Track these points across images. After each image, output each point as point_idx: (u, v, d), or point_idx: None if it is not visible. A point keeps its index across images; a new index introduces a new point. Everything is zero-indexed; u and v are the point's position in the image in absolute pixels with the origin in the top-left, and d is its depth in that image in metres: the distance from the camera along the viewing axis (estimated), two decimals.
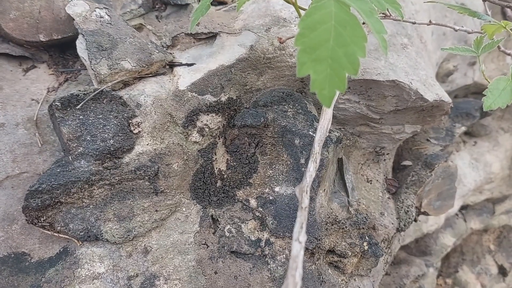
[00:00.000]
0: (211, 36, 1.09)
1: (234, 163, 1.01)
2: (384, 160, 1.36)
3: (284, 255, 0.97)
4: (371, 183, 1.30)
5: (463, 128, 1.64)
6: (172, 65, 1.06)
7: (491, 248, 2.28)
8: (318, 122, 1.05)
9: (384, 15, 1.07)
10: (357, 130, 1.25)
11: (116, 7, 1.15)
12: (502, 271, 2.25)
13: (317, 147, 0.83)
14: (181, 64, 1.05)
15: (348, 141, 1.20)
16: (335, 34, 0.65)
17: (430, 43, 1.49)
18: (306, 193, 0.72)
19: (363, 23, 1.05)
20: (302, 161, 1.00)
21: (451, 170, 1.38)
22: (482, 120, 1.95)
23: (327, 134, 0.96)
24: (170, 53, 1.08)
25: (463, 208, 1.99)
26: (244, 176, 1.01)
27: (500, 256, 2.29)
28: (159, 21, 1.19)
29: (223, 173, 1.01)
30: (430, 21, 1.19)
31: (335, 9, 0.67)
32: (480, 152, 1.90)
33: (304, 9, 0.87)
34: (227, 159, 1.02)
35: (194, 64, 1.03)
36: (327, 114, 0.91)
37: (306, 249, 0.98)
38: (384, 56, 1.15)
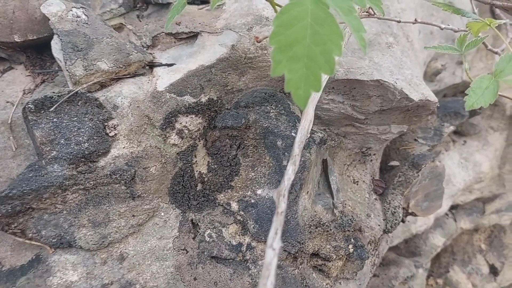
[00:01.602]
0: (192, 36, 1.07)
1: (215, 166, 0.99)
2: (371, 160, 1.34)
3: None
4: (357, 184, 1.28)
5: (452, 128, 1.62)
6: (152, 65, 1.03)
7: (482, 247, 2.27)
8: (299, 123, 1.03)
9: (368, 13, 1.05)
10: (342, 130, 1.23)
11: (95, 7, 1.13)
12: (493, 271, 2.25)
13: (296, 149, 0.81)
14: (161, 65, 1.02)
15: (333, 142, 1.18)
16: (312, 32, 0.63)
17: (417, 42, 1.47)
18: (284, 197, 0.70)
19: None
20: (285, 163, 0.98)
21: (438, 170, 1.36)
22: (471, 119, 1.94)
23: (309, 135, 0.93)
24: (150, 53, 1.05)
25: (453, 208, 1.98)
26: (225, 179, 0.99)
27: (491, 256, 2.28)
28: (140, 21, 1.16)
29: (204, 176, 0.98)
30: (415, 20, 1.17)
31: (312, 7, 0.65)
32: (470, 151, 1.89)
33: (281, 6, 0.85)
34: (208, 161, 0.99)
35: (174, 64, 1.00)
36: (308, 115, 0.88)
37: (289, 253, 0.96)
38: (369, 55, 1.13)
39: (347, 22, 0.70)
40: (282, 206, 0.68)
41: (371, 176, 1.34)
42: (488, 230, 2.30)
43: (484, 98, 0.76)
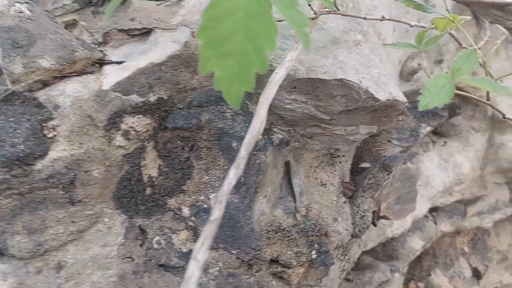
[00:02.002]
0: (146, 32, 1.02)
1: (167, 169, 0.94)
2: (340, 162, 1.29)
3: (217, 268, 0.90)
4: (325, 187, 1.24)
5: (429, 128, 1.58)
6: (101, 63, 0.98)
7: (465, 250, 2.23)
8: None
9: (329, 9, 1.00)
10: (308, 131, 1.18)
11: (46, 2, 1.07)
12: (476, 274, 2.21)
13: (243, 151, 0.76)
14: (110, 62, 0.97)
15: (298, 143, 1.14)
16: (245, 27, 0.58)
17: (390, 40, 1.42)
18: (220, 203, 0.65)
19: (314, 16, 0.99)
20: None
21: (410, 172, 1.32)
22: (452, 120, 1.90)
23: (266, 136, 0.89)
24: (101, 51, 1.00)
25: (434, 210, 1.94)
26: (176, 183, 0.94)
27: (475, 259, 2.24)
28: (95, 17, 1.11)
29: (154, 180, 0.93)
30: (383, 17, 1.12)
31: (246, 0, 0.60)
32: (450, 152, 1.84)
33: None
34: (159, 164, 0.94)
35: (124, 62, 0.95)
36: (260, 116, 0.83)
37: (242, 260, 0.91)
38: (333, 53, 1.08)
39: (288, 17, 0.65)
40: (215, 214, 0.63)
41: (340, 179, 1.30)
42: (471, 233, 2.26)
43: (439, 98, 0.71)
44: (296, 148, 1.15)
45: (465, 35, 0.90)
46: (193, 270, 0.56)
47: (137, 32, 1.01)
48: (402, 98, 1.15)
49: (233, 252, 0.89)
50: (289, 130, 1.16)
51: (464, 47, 1.16)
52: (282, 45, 1.02)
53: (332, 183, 1.26)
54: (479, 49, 1.48)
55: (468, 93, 1.32)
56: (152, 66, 0.91)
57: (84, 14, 1.13)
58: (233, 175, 0.69)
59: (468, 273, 2.17)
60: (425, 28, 1.07)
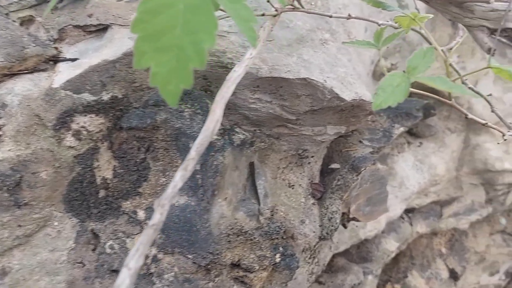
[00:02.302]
0: (103, 29, 0.98)
1: (122, 170, 0.90)
2: (309, 163, 1.27)
3: (172, 273, 0.87)
4: (293, 188, 1.21)
5: (402, 129, 1.57)
6: (55, 60, 0.94)
7: (443, 251, 2.23)
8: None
9: (292, 6, 0.98)
10: (274, 131, 1.16)
11: None
12: (453, 275, 2.20)
13: (193, 152, 0.72)
14: (64, 60, 0.94)
15: (263, 143, 1.11)
16: (184, 20, 0.55)
17: (362, 39, 1.40)
18: (163, 207, 0.62)
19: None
20: (198, 167, 0.90)
21: (380, 173, 1.30)
22: (427, 120, 1.89)
23: (215, 137, 0.86)
24: (55, 47, 0.97)
25: (409, 211, 1.92)
26: (132, 185, 0.90)
27: (452, 260, 2.24)
28: (53, 13, 1.08)
29: (109, 182, 0.90)
30: (349, 15, 1.10)
31: None
32: (425, 153, 1.84)
33: None
34: (114, 165, 0.91)
35: (78, 59, 0.92)
36: (215, 115, 0.80)
37: (199, 265, 0.88)
38: (298, 52, 1.06)
39: (232, 11, 0.62)
40: (155, 218, 0.60)
41: (309, 180, 1.27)
42: (448, 234, 2.26)
43: (394, 97, 0.69)
44: (262, 148, 1.13)
45: (428, 35, 0.88)
46: (124, 278, 0.53)
47: (93, 29, 0.97)
48: (369, 98, 1.13)
49: (189, 256, 0.86)
50: (254, 130, 1.13)
51: (434, 47, 1.15)
52: (244, 43, 0.99)
53: (300, 185, 1.24)
54: (451, 49, 1.47)
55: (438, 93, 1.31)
56: (105, 63, 0.88)
57: (42, 10, 1.09)
58: (179, 178, 0.66)
59: (445, 274, 2.17)
60: (393, 26, 1.06)
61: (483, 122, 0.95)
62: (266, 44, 1.03)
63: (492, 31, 0.70)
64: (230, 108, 1.06)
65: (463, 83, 1.25)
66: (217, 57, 0.95)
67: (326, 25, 1.20)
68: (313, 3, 1.23)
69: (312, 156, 1.27)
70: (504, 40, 1.53)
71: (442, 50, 0.89)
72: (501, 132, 0.97)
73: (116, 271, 0.86)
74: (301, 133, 1.17)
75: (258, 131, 1.13)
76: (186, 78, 0.55)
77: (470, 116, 0.92)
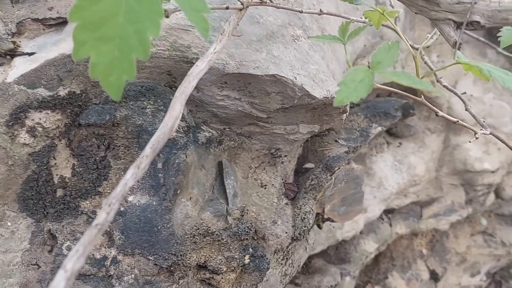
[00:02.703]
0: (63, 22, 0.95)
1: (81, 169, 0.87)
2: (282, 162, 1.24)
3: (132, 275, 0.84)
4: (265, 188, 1.19)
5: (380, 129, 1.55)
6: (13, 55, 0.91)
7: (424, 252, 2.22)
8: (182, 121, 0.93)
9: (260, 0, 0.95)
10: (245, 130, 1.13)
11: None
12: (434, 276, 2.20)
13: (148, 149, 0.69)
14: (22, 54, 0.90)
15: (233, 142, 1.08)
16: (127, 8, 0.52)
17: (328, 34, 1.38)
18: (110, 206, 0.59)
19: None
20: (160, 166, 0.87)
21: (355, 173, 1.28)
22: (407, 120, 1.88)
23: (174, 134, 0.83)
24: (14, 42, 0.93)
25: (389, 212, 1.91)
26: (91, 184, 0.87)
27: (433, 261, 2.23)
28: (13, 6, 1.04)
29: (67, 181, 0.86)
30: (321, 10, 1.08)
31: None
32: (404, 153, 1.82)
33: None
34: (73, 164, 0.87)
35: (35, 53, 0.88)
36: (174, 111, 0.77)
37: (161, 267, 0.85)
38: (268, 48, 1.04)
39: (181, 1, 0.60)
40: (101, 217, 0.56)
41: (282, 179, 1.25)
42: (429, 235, 2.25)
43: (357, 92, 0.66)
44: (232, 147, 1.10)
45: (396, 29, 0.86)
46: (59, 281, 0.49)
47: (53, 22, 0.94)
48: None
49: (150, 258, 0.83)
50: (224, 128, 1.10)
51: (411, 46, 1.13)
52: (211, 38, 0.96)
53: (273, 184, 1.21)
54: (427, 47, 1.46)
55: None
56: (62, 57, 0.84)
57: (3, 3, 1.05)
58: (130, 176, 0.63)
59: (425, 275, 2.16)
60: (367, 23, 1.03)
61: (454, 120, 0.93)
62: (234, 39, 1.00)
63: (458, 25, 0.68)
64: (198, 105, 1.03)
65: (437, 81, 1.24)
66: (181, 52, 0.92)
67: (298, 22, 1.17)
68: None
69: (286, 156, 1.24)
70: (469, 33, 1.52)
71: (410, 44, 0.87)
72: (473, 130, 0.96)
73: None
74: (273, 131, 1.15)
75: (228, 129, 1.10)
76: (129, 69, 0.52)
77: (440, 113, 0.90)
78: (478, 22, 0.67)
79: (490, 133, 1.00)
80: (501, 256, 2.38)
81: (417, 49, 1.25)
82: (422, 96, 0.90)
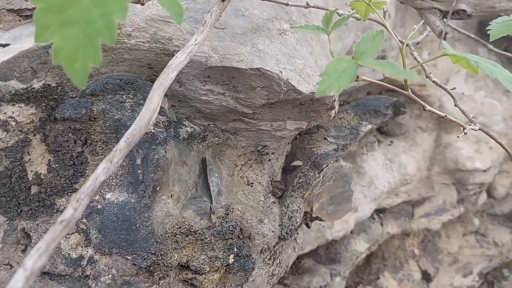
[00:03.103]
0: None
1: (57, 165, 0.84)
2: (269, 160, 1.21)
3: (110, 276, 0.80)
4: (251, 186, 1.16)
5: (370, 126, 1.53)
6: None
7: (416, 252, 2.20)
8: (163, 116, 0.90)
9: None
10: (231, 126, 1.10)
11: None
12: (426, 277, 2.18)
13: (122, 143, 0.66)
14: None
15: (217, 138, 1.05)
16: None
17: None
18: (79, 202, 0.56)
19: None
20: (139, 162, 0.84)
21: (344, 171, 1.25)
22: (398, 119, 1.86)
23: (151, 128, 0.80)
24: None
25: (380, 211, 1.89)
26: (68, 181, 0.84)
27: (425, 261, 2.21)
28: None
29: (42, 177, 0.83)
30: (307, 3, 1.06)
31: None
32: (396, 152, 1.80)
33: None
34: (49, 160, 0.84)
35: (9, 44, 0.85)
36: (151, 104, 0.74)
37: (139, 267, 0.82)
38: (253, 41, 1.01)
39: None
40: (67, 213, 0.53)
41: (270, 177, 1.22)
42: (421, 234, 2.23)
43: (340, 83, 0.64)
44: (216, 144, 1.07)
45: (384, 21, 0.84)
46: (17, 280, 0.46)
47: (29, 13, 0.91)
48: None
49: (128, 257, 0.80)
50: (208, 124, 1.07)
51: (400, 41, 1.11)
52: (193, 30, 0.94)
53: (259, 182, 1.19)
54: (417, 43, 1.43)
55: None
56: (37, 48, 0.81)
57: None
58: (102, 170, 0.59)
59: (417, 275, 2.14)
60: (355, 17, 1.01)
61: (442, 114, 0.91)
62: (217, 32, 0.97)
63: (444, 14, 0.66)
64: (181, 100, 1.00)
65: (427, 76, 1.22)
66: (162, 44, 0.89)
67: (285, 16, 1.15)
68: None
69: (273, 153, 1.22)
70: (460, 30, 1.49)
71: (395, 35, 0.84)
72: (461, 125, 0.93)
73: (47, 274, 0.79)
74: (259, 128, 1.12)
75: (212, 125, 1.07)
76: (95, 54, 0.49)
77: (427, 108, 0.88)
78: (464, 10, 0.64)
79: (480, 129, 0.98)
80: (493, 256, 2.37)
81: (403, 42, 1.23)
82: (410, 90, 0.88)
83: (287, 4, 1.01)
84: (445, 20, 0.65)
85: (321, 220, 1.28)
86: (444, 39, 0.64)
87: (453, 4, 0.64)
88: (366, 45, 0.68)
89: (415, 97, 0.89)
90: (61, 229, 0.52)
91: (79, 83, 0.49)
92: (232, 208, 1.07)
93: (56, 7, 0.48)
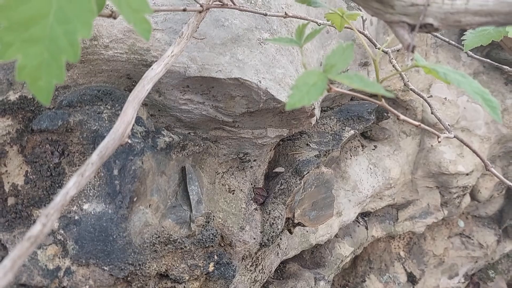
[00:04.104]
0: None
1: (34, 176, 0.84)
2: (251, 167, 1.22)
3: (87, 287, 0.81)
4: (233, 194, 1.17)
5: (352, 132, 1.54)
6: None
7: (401, 255, 2.22)
8: (141, 126, 0.91)
9: (220, 2, 0.93)
10: (212, 134, 1.11)
11: None
12: (411, 279, 2.20)
13: (95, 157, 0.67)
14: None
15: (198, 147, 1.06)
16: (57, 7, 0.50)
17: (309, 42, 1.37)
18: (48, 217, 0.56)
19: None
20: (116, 172, 0.84)
21: (325, 177, 1.27)
22: (382, 124, 1.88)
23: (127, 140, 0.81)
24: None
25: (365, 215, 1.91)
26: (45, 192, 0.84)
27: (411, 263, 2.23)
28: None
29: (20, 189, 0.83)
30: (286, 13, 1.07)
31: None
32: (379, 157, 1.82)
33: None
34: (27, 171, 0.84)
35: None
36: (126, 116, 0.75)
37: (117, 278, 0.82)
38: (232, 51, 1.02)
39: (117, 1, 0.57)
40: (35, 229, 0.53)
41: (252, 184, 1.23)
42: (407, 237, 2.25)
43: (310, 96, 0.65)
44: (197, 152, 1.08)
45: (359, 34, 0.85)
46: None
47: None
48: None
49: (106, 268, 0.80)
50: (189, 133, 1.08)
51: (379, 48, 1.13)
52: (171, 41, 0.94)
53: (241, 190, 1.20)
54: (397, 51, 1.45)
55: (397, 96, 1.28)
56: (12, 61, 0.81)
57: None
58: (73, 184, 0.60)
59: (403, 278, 2.16)
60: (334, 26, 1.02)
61: (416, 123, 0.92)
62: (196, 42, 0.98)
63: (412, 27, 0.67)
64: (161, 109, 1.01)
65: (405, 84, 1.24)
66: (140, 55, 0.90)
67: (266, 25, 1.16)
68: (252, 1, 1.20)
69: (255, 160, 1.23)
70: (440, 36, 1.51)
71: (374, 42, 0.86)
72: (436, 134, 0.95)
73: (24, 285, 0.79)
74: (241, 136, 1.13)
75: (193, 133, 1.08)
76: (58, 72, 0.49)
77: (401, 117, 0.89)
78: (431, 24, 0.66)
79: (454, 137, 0.99)
80: (478, 258, 2.40)
81: (379, 48, 1.25)
82: (383, 100, 0.89)
83: (265, 14, 1.02)
84: (413, 32, 0.67)
85: (303, 226, 1.29)
86: (412, 51, 0.65)
87: (421, 18, 0.65)
88: (336, 58, 0.69)
89: (388, 106, 0.90)
90: (28, 246, 0.52)
91: (44, 100, 0.50)
92: (213, 216, 1.08)
93: (19, 25, 0.49)
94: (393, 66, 1.23)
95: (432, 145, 1.92)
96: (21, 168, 0.84)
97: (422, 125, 0.93)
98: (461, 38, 1.02)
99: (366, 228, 1.88)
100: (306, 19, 1.08)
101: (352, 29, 0.91)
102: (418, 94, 1.14)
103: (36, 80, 0.49)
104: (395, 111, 0.92)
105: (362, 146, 1.82)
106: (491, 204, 2.42)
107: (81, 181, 0.61)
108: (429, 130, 0.93)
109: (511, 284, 2.59)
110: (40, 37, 0.49)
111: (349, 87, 1.53)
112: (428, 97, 1.17)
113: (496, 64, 1.47)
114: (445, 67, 0.75)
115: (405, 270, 2.18)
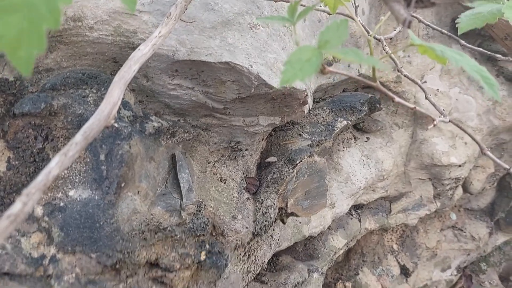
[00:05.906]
0: None
1: (17, 162, 0.81)
2: (243, 156, 1.20)
3: (73, 275, 0.78)
4: (225, 183, 1.14)
5: (345, 122, 1.53)
6: None
7: (394, 248, 2.21)
8: (128, 111, 0.88)
9: None
10: (202, 122, 1.08)
11: None
12: (405, 272, 2.19)
13: (79, 137, 0.64)
14: None
15: (188, 134, 1.03)
16: None
17: (300, 29, 1.35)
18: (28, 196, 0.53)
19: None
20: (102, 157, 0.81)
21: (318, 166, 1.25)
22: (375, 115, 1.87)
23: (113, 121, 0.78)
24: None
25: (358, 207, 1.89)
26: (28, 178, 0.81)
27: (404, 256, 2.22)
28: None
29: (2, 175, 0.80)
30: None
31: None
32: (372, 148, 1.80)
33: None
34: (9, 157, 0.81)
35: None
36: (111, 97, 0.72)
37: (104, 265, 0.79)
38: (222, 35, 0.99)
39: None
40: (15, 207, 0.50)
41: (244, 173, 1.21)
42: (400, 230, 2.24)
43: (303, 72, 0.62)
44: (187, 140, 1.05)
45: (354, 17, 0.83)
46: None
47: None
48: (300, 86, 1.07)
49: (92, 255, 0.77)
50: (178, 120, 1.05)
51: (371, 35, 1.10)
52: (159, 23, 0.92)
53: (233, 179, 1.17)
54: (390, 39, 1.44)
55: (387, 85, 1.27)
56: None
57: None
58: (55, 164, 0.57)
59: (396, 271, 2.15)
60: (326, 12, 1.00)
61: (411, 106, 0.90)
62: (185, 25, 0.95)
63: (408, 2, 0.65)
64: (149, 95, 0.98)
65: (399, 71, 1.22)
66: (126, 38, 0.87)
67: (257, 10, 1.14)
68: None
69: (247, 149, 1.20)
70: (433, 26, 1.49)
71: (361, 23, 0.84)
72: (431, 117, 0.93)
73: (7, 274, 0.76)
74: (232, 123, 1.10)
75: (182, 120, 1.05)
76: (39, 41, 0.46)
77: (396, 99, 0.87)
78: None
79: (450, 121, 0.98)
80: (471, 251, 2.40)
81: (372, 35, 1.22)
82: (379, 84, 0.88)
83: None
84: (409, 7, 0.65)
85: (296, 215, 1.27)
86: (408, 27, 0.63)
87: None
88: (330, 34, 0.67)
89: (384, 88, 0.88)
90: (8, 224, 0.49)
91: (24, 71, 0.47)
92: (205, 205, 1.05)
93: None
94: (386, 52, 1.21)
95: (425, 137, 1.91)
96: (3, 154, 0.81)
97: (418, 108, 0.91)
98: (455, 21, 1.00)
99: (359, 220, 1.86)
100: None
101: (347, 10, 0.89)
102: (412, 80, 1.12)
103: (15, 50, 0.46)
104: (390, 93, 0.90)
105: (355, 138, 1.80)
106: (483, 196, 2.42)
107: (64, 161, 0.58)
108: (424, 114, 0.92)
109: (502, 276, 2.60)
110: (18, 5, 0.46)
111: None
112: (422, 83, 1.15)
113: (489, 53, 1.46)
114: (442, 46, 0.74)
115: (398, 263, 2.17)
